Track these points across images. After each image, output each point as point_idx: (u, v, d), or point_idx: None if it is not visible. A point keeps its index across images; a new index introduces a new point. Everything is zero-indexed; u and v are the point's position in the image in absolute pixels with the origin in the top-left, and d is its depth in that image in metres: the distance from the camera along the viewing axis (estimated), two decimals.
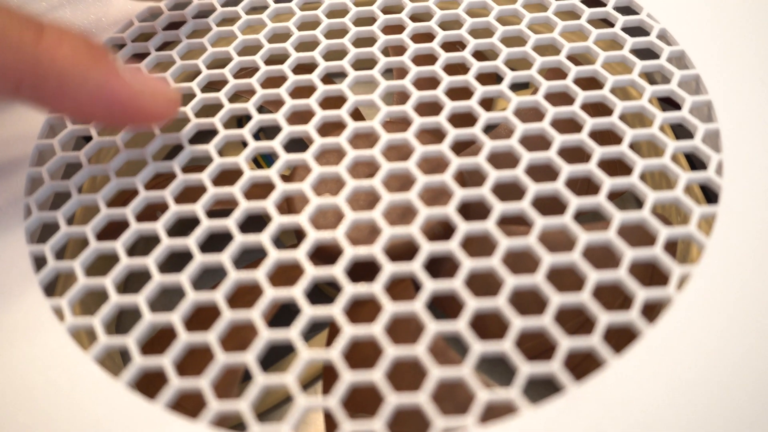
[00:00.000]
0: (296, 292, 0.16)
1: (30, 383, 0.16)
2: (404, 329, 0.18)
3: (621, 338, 0.17)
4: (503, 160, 0.21)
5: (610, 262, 0.18)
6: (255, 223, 0.22)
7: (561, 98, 0.21)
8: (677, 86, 0.19)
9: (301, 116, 0.22)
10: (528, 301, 0.18)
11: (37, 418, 0.15)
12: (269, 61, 0.22)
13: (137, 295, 0.16)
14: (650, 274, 0.18)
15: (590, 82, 0.23)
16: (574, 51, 0.21)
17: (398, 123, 0.21)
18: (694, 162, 0.22)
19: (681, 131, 0.22)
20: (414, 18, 0.23)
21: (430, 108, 0.22)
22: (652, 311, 0.17)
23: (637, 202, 0.24)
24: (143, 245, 0.24)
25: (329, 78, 0.25)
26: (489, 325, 0.18)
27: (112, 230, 0.20)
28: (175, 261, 0.20)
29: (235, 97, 0.26)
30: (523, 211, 0.17)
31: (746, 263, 0.16)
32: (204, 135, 0.26)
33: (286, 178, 0.21)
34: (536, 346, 0.18)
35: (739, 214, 0.17)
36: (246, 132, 0.20)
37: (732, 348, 0.15)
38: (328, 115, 0.20)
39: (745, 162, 0.18)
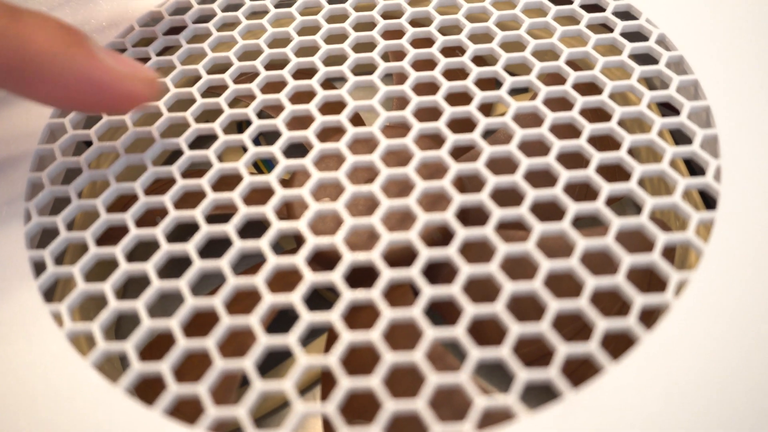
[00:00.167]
0: (295, 298, 0.16)
1: (29, 388, 0.16)
2: (403, 334, 0.18)
3: (619, 344, 0.17)
4: (502, 165, 0.21)
5: (608, 268, 0.18)
6: (254, 228, 0.22)
7: (560, 103, 0.21)
8: (676, 91, 0.19)
9: (300, 121, 0.22)
10: (526, 307, 0.18)
11: (36, 423, 0.15)
12: (269, 66, 0.22)
13: (136, 301, 0.16)
14: (648, 280, 0.18)
15: (589, 88, 0.23)
16: (573, 56, 0.21)
17: (397, 128, 0.21)
18: (693, 167, 0.22)
19: (680, 136, 0.22)
20: (414, 23, 0.23)
21: (429, 113, 0.22)
22: (650, 317, 0.17)
23: (636, 208, 0.24)
24: (143, 251, 0.24)
25: (329, 83, 0.25)
26: (487, 331, 0.18)
27: (111, 235, 0.20)
28: (174, 266, 0.20)
29: (235, 102, 0.26)
30: (522, 217, 0.17)
31: (744, 269, 0.16)
32: (203, 140, 0.26)
33: (285, 183, 0.21)
34: (534, 351, 0.18)
35: (738, 220, 0.17)
36: (246, 137, 0.20)
37: (730, 354, 0.15)
38: (328, 121, 0.20)
39: (743, 167, 0.18)
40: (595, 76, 0.20)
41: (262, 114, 0.27)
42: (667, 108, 0.23)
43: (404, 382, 0.17)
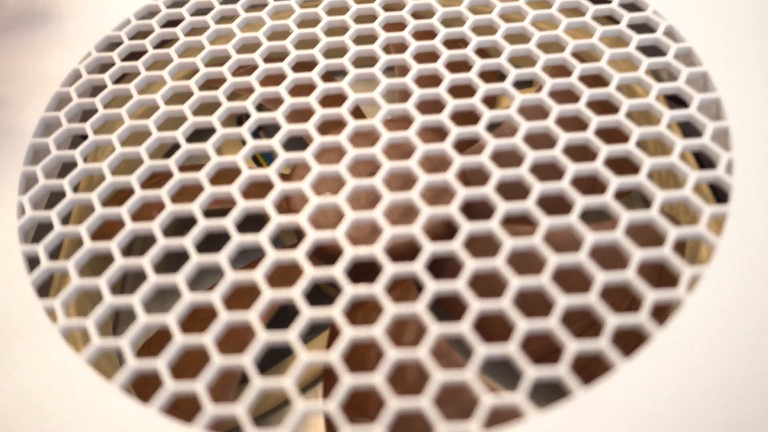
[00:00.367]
0: (295, 293, 0.16)
1: (21, 386, 0.15)
2: (406, 331, 0.17)
3: (629, 340, 0.17)
4: (506, 158, 0.21)
5: (617, 263, 0.17)
6: (254, 222, 0.22)
7: (565, 96, 0.20)
8: (685, 83, 0.19)
9: (300, 114, 0.22)
10: (533, 303, 0.17)
11: (29, 421, 0.15)
12: (268, 59, 0.22)
13: (132, 296, 0.16)
14: (658, 275, 0.18)
15: (594, 80, 0.23)
16: (579, 48, 0.20)
17: (399, 121, 0.21)
18: (702, 161, 0.22)
19: (688, 130, 0.22)
20: (416, 15, 0.23)
21: (431, 106, 0.22)
22: (661, 313, 0.16)
23: (644, 201, 0.23)
24: (140, 245, 0.23)
25: (329, 76, 0.25)
26: (493, 327, 0.18)
27: (107, 230, 0.20)
28: (172, 262, 0.20)
29: (233, 96, 0.25)
30: (528, 211, 0.17)
31: (759, 263, 0.15)
32: (202, 134, 0.25)
33: (285, 177, 0.21)
34: (541, 347, 0.17)
35: (751, 214, 0.16)
36: (244, 130, 0.19)
37: (745, 351, 0.14)
38: (329, 114, 0.19)
39: (756, 160, 0.17)
40: (601, 69, 0.20)
41: (261, 108, 0.26)
42: (674, 101, 0.23)
43: (408, 379, 0.16)
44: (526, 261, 0.18)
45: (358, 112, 0.24)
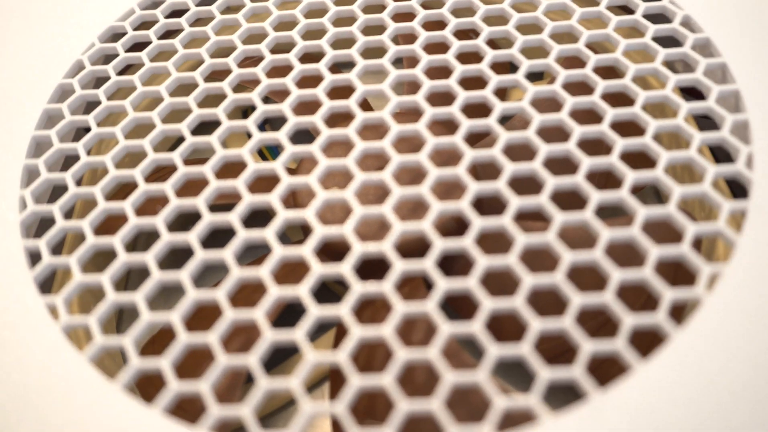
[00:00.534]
0: (302, 291, 0.15)
1: (22, 385, 0.15)
2: (414, 329, 0.17)
3: (643, 340, 0.17)
4: (516, 152, 0.20)
5: (631, 260, 0.17)
6: (259, 217, 0.21)
7: (579, 88, 0.20)
8: (703, 75, 0.18)
9: (307, 107, 0.21)
10: (543, 301, 0.17)
11: (29, 422, 0.14)
12: (275, 50, 0.21)
13: (135, 293, 0.16)
14: (673, 272, 0.18)
15: (607, 72, 0.22)
16: (593, 39, 0.20)
17: (408, 114, 0.20)
18: (717, 155, 0.21)
19: (703, 123, 0.21)
20: (425, 5, 0.22)
21: (441, 98, 0.21)
22: (677, 313, 0.16)
23: (657, 197, 0.23)
24: (144, 241, 0.23)
25: (336, 67, 0.24)
26: (504, 326, 0.17)
27: (110, 225, 0.19)
28: (175, 257, 0.20)
29: (239, 88, 0.25)
30: (541, 206, 0.16)
31: None
32: (206, 126, 0.25)
33: (291, 171, 0.20)
34: (554, 347, 0.17)
35: None
36: (250, 123, 0.19)
37: (767, 351, 0.14)
38: (336, 106, 0.19)
39: None
40: (617, 60, 0.19)
41: (267, 100, 0.26)
42: (689, 93, 0.22)
43: (417, 379, 0.16)
44: (537, 258, 0.17)
45: (365, 105, 0.23)
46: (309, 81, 0.21)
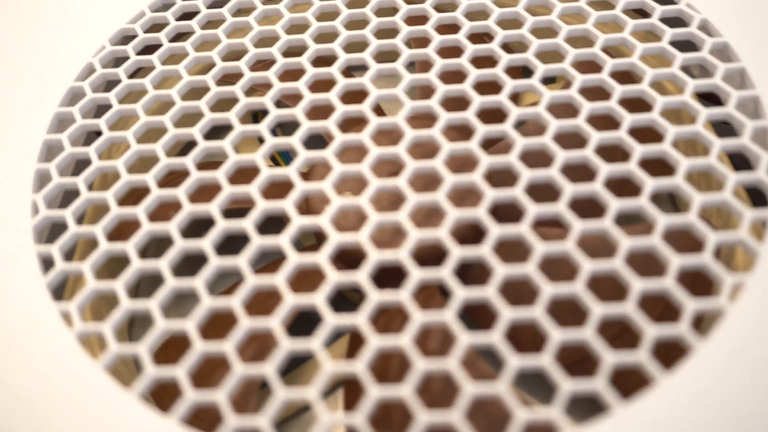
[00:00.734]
0: (318, 300, 0.15)
1: (36, 393, 0.15)
2: (429, 337, 0.17)
3: (659, 349, 0.16)
4: (533, 158, 0.20)
5: (645, 267, 0.17)
6: (269, 222, 0.21)
7: (595, 93, 0.20)
8: (721, 80, 0.18)
9: (319, 111, 0.21)
10: (560, 309, 0.17)
11: (43, 430, 0.14)
12: (287, 53, 0.21)
13: (150, 300, 0.15)
14: (692, 282, 0.17)
15: (622, 77, 0.22)
16: (609, 43, 0.19)
17: (421, 119, 0.20)
18: (734, 161, 0.21)
19: (719, 129, 0.21)
20: (438, 8, 0.22)
21: (454, 103, 0.21)
22: (696, 323, 0.16)
23: (672, 204, 0.22)
24: (155, 247, 0.23)
25: (347, 71, 0.24)
26: (521, 336, 0.17)
27: (122, 231, 0.19)
28: (186, 263, 0.19)
29: (250, 91, 0.25)
30: (560, 214, 0.16)
31: None
32: (216, 131, 0.25)
33: (303, 176, 0.20)
34: (571, 355, 0.17)
35: None
36: (263, 127, 0.19)
37: None
38: (350, 111, 0.19)
39: None
40: (633, 64, 0.19)
41: (279, 104, 0.26)
42: (705, 99, 0.22)
43: (434, 389, 0.16)
44: (553, 266, 0.17)
45: (377, 109, 0.23)
46: (321, 85, 0.21)
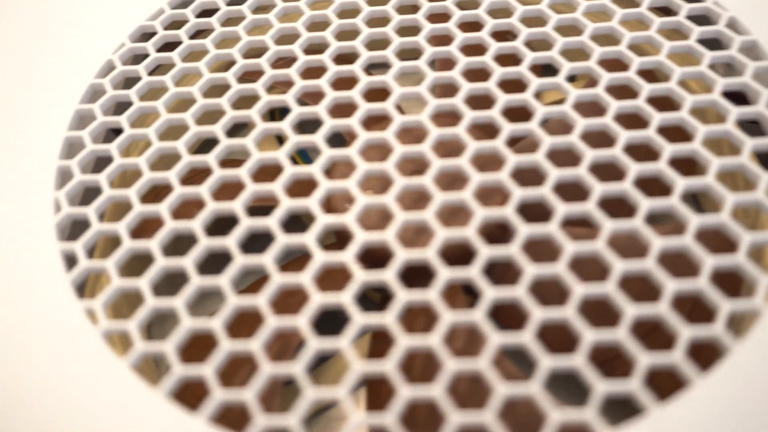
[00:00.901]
0: (345, 299, 0.15)
1: (61, 391, 0.15)
2: (455, 337, 0.16)
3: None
4: (559, 157, 0.20)
5: (676, 269, 0.16)
6: (290, 220, 0.21)
7: (621, 91, 0.19)
8: (751, 79, 0.18)
9: (341, 109, 0.21)
10: (586, 311, 0.16)
11: (69, 429, 0.14)
12: (308, 51, 0.21)
13: (175, 299, 0.15)
14: (719, 283, 0.17)
15: (645, 76, 0.22)
16: (636, 41, 0.19)
17: (444, 117, 0.20)
18: (763, 161, 0.21)
19: (746, 128, 0.21)
20: (461, 6, 0.22)
21: (477, 101, 0.21)
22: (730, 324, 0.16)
23: (695, 203, 0.22)
24: (174, 244, 0.23)
25: (367, 69, 0.24)
26: (547, 336, 0.17)
27: (143, 228, 0.19)
28: (207, 260, 0.19)
29: (269, 89, 0.25)
30: (589, 213, 0.16)
31: None
32: (235, 128, 0.25)
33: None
34: (601, 353, 0.17)
35: None
36: (286, 125, 0.18)
37: None
38: (374, 108, 0.19)
39: None
40: (660, 62, 0.19)
41: (299, 101, 0.26)
42: (731, 98, 0.22)
43: (460, 389, 0.16)
44: (578, 265, 0.17)
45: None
46: (343, 83, 0.20)
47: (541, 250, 0.18)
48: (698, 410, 0.13)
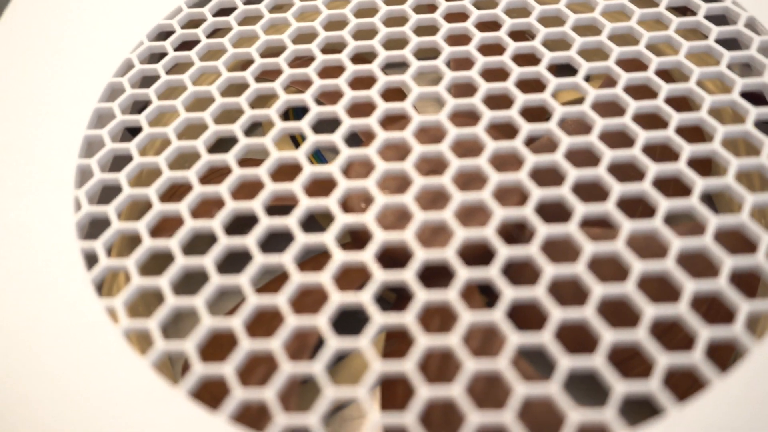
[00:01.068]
0: (365, 298, 0.15)
1: (82, 391, 0.15)
2: (471, 337, 0.16)
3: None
4: (576, 158, 0.20)
5: (691, 269, 0.16)
6: (306, 221, 0.21)
7: (639, 91, 0.19)
8: None
9: (357, 109, 0.21)
10: (604, 310, 0.16)
11: (90, 428, 0.14)
12: (325, 50, 0.21)
13: (195, 298, 0.15)
14: (736, 283, 0.17)
15: (662, 76, 0.21)
16: (654, 41, 0.19)
17: (462, 116, 0.20)
18: None
19: (762, 129, 0.21)
20: (478, 5, 0.22)
21: (494, 101, 0.21)
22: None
23: (710, 203, 0.22)
24: (188, 246, 0.23)
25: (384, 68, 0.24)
26: (563, 336, 0.17)
27: (161, 227, 0.19)
28: (227, 261, 0.19)
29: (287, 88, 0.25)
30: (608, 214, 0.16)
31: None
32: (251, 127, 0.25)
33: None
34: (617, 353, 0.17)
35: None
36: (305, 125, 0.19)
37: None
38: (392, 108, 0.19)
39: None
40: (679, 62, 0.19)
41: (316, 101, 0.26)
42: (748, 98, 0.21)
43: (476, 389, 0.16)
44: (594, 264, 0.17)
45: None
46: (360, 82, 0.21)
47: (557, 250, 0.18)
48: (717, 411, 0.13)
